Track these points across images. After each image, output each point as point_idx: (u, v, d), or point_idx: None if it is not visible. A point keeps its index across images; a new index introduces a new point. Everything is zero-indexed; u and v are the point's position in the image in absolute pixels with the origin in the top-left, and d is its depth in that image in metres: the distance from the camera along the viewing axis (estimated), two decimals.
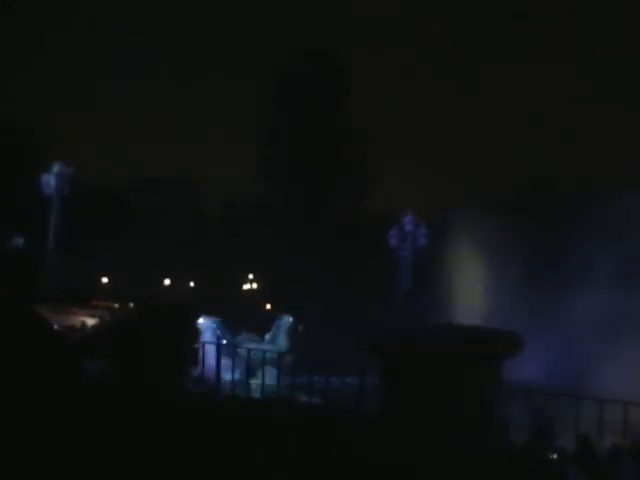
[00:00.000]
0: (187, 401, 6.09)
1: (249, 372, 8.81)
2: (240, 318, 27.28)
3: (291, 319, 18.32)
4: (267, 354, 9.95)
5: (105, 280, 40.11)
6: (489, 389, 4.03)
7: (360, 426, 4.93)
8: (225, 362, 8.66)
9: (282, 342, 17.99)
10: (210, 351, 8.62)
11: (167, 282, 42.86)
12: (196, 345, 8.83)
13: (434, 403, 3.92)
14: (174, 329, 7.02)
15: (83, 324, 16.43)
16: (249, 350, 8.47)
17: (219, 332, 16.81)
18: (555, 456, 6.95)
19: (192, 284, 43.68)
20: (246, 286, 47.25)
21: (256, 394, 9.39)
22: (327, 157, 42.10)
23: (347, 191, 43.26)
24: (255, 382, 9.55)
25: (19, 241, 21.76)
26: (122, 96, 51.95)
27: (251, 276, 47.30)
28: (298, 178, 41.77)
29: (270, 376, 8.86)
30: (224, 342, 13.25)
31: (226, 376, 8.72)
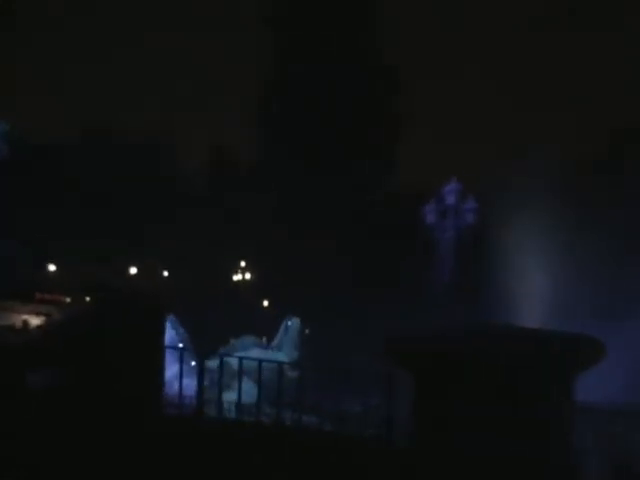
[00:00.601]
0: (164, 424, 6.18)
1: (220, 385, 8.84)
2: (231, 317, 27.54)
3: (299, 321, 18.59)
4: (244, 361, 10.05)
5: (52, 268, 40.38)
6: (561, 411, 3.99)
7: (385, 461, 4.96)
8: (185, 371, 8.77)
9: (291, 349, 18.10)
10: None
11: (133, 270, 43.03)
12: None
13: (488, 431, 3.89)
14: (146, 329, 7.12)
15: (25, 324, 16.57)
16: (260, 363, 8.47)
17: (177, 332, 17.01)
18: None
19: (166, 273, 43.86)
20: (237, 277, 47.37)
21: (230, 414, 9.49)
22: (346, 112, 41.99)
23: (371, 156, 43.20)
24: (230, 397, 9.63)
25: None
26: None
27: (243, 264, 47.37)
28: (307, 139, 41.71)
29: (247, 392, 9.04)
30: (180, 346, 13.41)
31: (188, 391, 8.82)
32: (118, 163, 42.09)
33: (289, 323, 19.25)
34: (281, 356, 17.97)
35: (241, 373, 8.62)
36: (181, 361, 8.51)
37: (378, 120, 42.99)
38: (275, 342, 18.89)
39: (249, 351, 17.93)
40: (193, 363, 11.62)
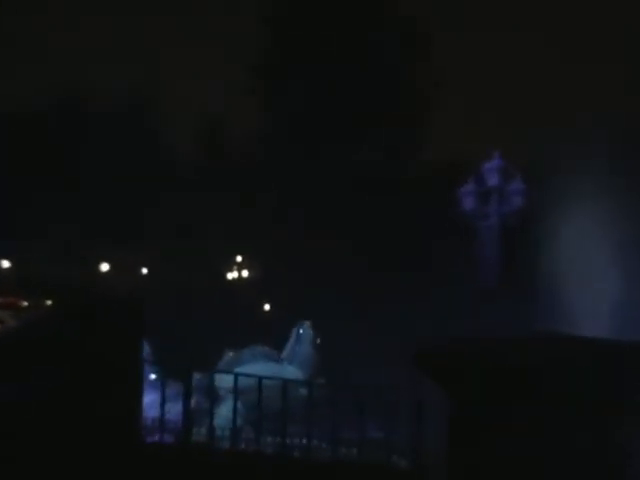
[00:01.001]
0: (144, 455, 6.09)
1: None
2: (225, 322, 27.43)
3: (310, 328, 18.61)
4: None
5: (6, 264, 40.39)
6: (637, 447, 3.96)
7: None
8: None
9: (305, 362, 18.42)
10: None
11: (105, 267, 43.07)
12: None
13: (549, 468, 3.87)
14: (122, 338, 6.97)
15: None
16: (260, 380, 8.34)
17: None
18: None
19: (145, 270, 43.88)
20: (232, 274, 47.34)
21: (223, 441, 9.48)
22: (359, 72, 41.89)
23: (391, 128, 43.12)
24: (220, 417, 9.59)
25: None
26: None
27: (239, 259, 47.29)
28: (316, 105, 41.58)
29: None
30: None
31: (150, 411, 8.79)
32: (92, 134, 41.93)
33: (301, 331, 19.06)
34: (291, 371, 17.95)
35: (237, 392, 8.52)
36: (162, 383, 8.45)
37: (402, 86, 42.89)
38: (285, 353, 18.86)
39: (254, 365, 17.70)
40: (153, 376, 11.56)
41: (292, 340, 18.98)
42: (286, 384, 8.89)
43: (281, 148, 41.59)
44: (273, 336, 21.85)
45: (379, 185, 39.26)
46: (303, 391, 9.78)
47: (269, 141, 42.32)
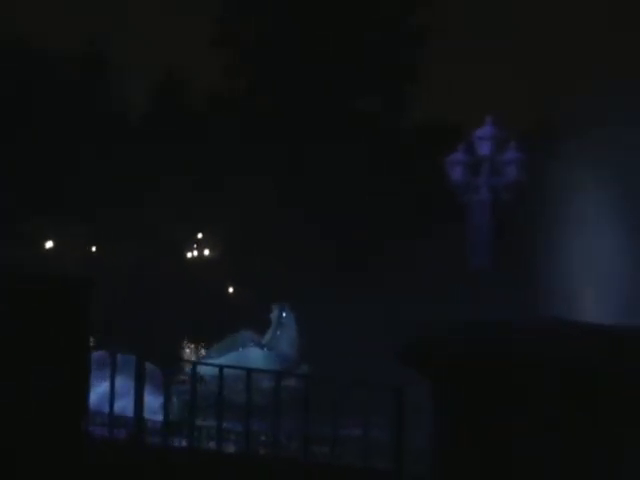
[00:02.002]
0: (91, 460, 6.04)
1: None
2: (184, 308, 27.43)
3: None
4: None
5: None
6: None
7: None
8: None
9: (288, 347, 18.94)
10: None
11: (49, 244, 42.90)
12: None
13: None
14: (68, 326, 6.88)
15: None
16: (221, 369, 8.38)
17: None
18: None
19: (94, 248, 43.76)
20: (191, 253, 47.38)
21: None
22: (343, 25, 41.89)
23: (375, 88, 43.15)
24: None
25: None
26: None
27: (200, 236, 47.29)
28: (289, 59, 41.49)
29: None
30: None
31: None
32: (36, 85, 41.41)
33: (284, 314, 19.54)
34: (272, 357, 18.50)
35: (222, 386, 8.51)
36: (112, 373, 8.43)
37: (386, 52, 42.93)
38: (267, 338, 19.30)
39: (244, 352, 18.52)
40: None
41: (273, 325, 19.46)
42: (250, 374, 8.85)
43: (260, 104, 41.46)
44: (244, 321, 21.99)
45: (362, 152, 39.22)
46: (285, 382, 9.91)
47: (235, 113, 42.18)
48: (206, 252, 47.76)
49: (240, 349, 18.72)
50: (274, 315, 19.61)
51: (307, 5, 42.01)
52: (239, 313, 27.29)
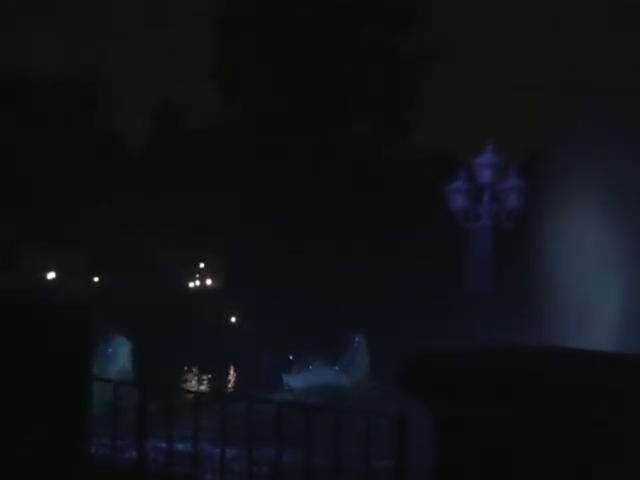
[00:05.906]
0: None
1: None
2: (188, 338, 27.34)
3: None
4: None
5: None
6: None
7: None
8: None
9: (362, 369, 21.83)
10: None
11: (51, 275, 42.77)
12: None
13: None
14: (69, 351, 6.92)
15: None
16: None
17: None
18: None
19: (97, 279, 43.64)
20: (193, 283, 47.09)
21: None
22: (334, 42, 41.72)
23: (372, 111, 43.02)
24: None
25: None
26: None
27: (202, 265, 47.01)
28: (283, 81, 41.42)
29: None
30: None
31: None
32: (34, 116, 41.40)
33: (357, 339, 22.60)
34: (345, 379, 21.46)
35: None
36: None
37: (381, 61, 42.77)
38: (343, 364, 22.23)
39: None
40: None
41: (351, 351, 22.43)
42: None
43: (249, 137, 41.36)
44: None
45: (359, 179, 39.20)
46: None
47: (234, 141, 42.04)
48: (208, 281, 47.67)
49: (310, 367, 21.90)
50: (353, 343, 22.67)
51: (303, 29, 41.88)
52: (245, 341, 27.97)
